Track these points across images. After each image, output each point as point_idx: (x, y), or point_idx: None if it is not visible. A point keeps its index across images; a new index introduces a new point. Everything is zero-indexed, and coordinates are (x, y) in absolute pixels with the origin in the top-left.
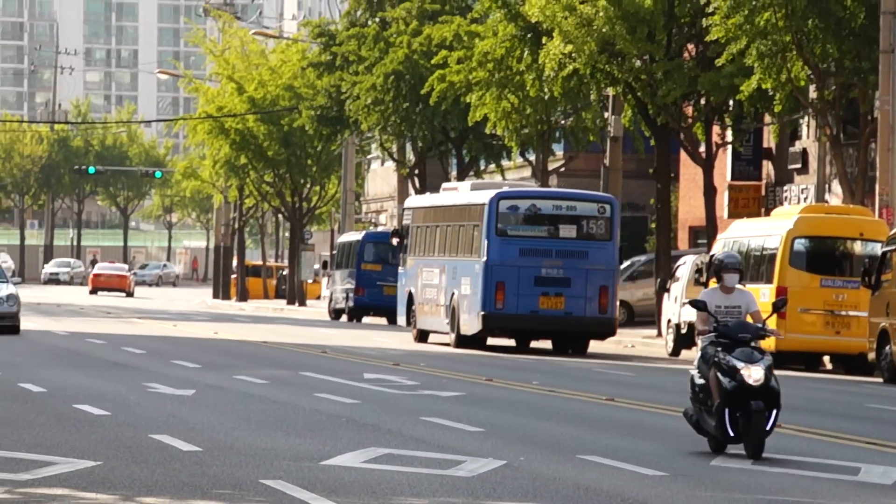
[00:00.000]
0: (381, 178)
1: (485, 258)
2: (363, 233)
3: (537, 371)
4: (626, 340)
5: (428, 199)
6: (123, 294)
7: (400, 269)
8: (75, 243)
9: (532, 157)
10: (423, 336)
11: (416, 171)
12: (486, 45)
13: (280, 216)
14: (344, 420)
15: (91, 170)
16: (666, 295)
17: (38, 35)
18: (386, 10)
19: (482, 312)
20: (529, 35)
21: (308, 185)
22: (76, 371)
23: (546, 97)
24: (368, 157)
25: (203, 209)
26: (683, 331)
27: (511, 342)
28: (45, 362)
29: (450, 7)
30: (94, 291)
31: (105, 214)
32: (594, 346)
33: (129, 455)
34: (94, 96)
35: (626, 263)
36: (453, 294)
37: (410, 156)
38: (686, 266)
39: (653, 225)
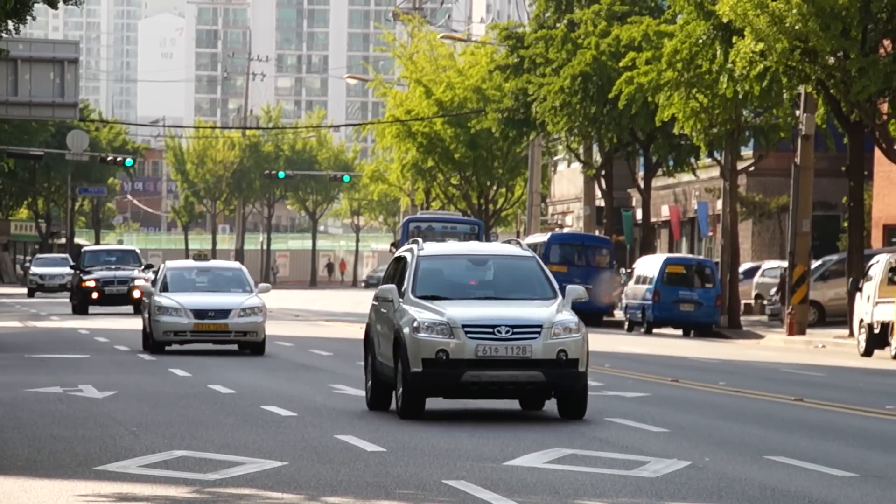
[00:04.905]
0: (568, 179)
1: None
2: (549, 234)
3: (724, 372)
4: (817, 340)
5: (404, 222)
6: None
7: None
8: (265, 247)
9: (721, 157)
10: None
11: (603, 173)
12: (675, 44)
13: None
14: (525, 420)
15: (281, 174)
16: (858, 294)
17: (231, 43)
18: (574, 11)
19: None
20: (720, 34)
21: (494, 188)
22: (264, 373)
23: (740, 96)
24: (555, 158)
25: (390, 212)
26: (876, 331)
27: None
28: (234, 364)
29: (639, 8)
30: None
31: (294, 218)
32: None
33: (315, 455)
34: (284, 102)
35: (816, 263)
36: None
37: (597, 157)
38: (879, 265)
39: (845, 224)
